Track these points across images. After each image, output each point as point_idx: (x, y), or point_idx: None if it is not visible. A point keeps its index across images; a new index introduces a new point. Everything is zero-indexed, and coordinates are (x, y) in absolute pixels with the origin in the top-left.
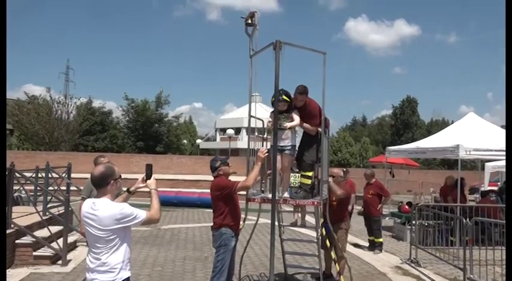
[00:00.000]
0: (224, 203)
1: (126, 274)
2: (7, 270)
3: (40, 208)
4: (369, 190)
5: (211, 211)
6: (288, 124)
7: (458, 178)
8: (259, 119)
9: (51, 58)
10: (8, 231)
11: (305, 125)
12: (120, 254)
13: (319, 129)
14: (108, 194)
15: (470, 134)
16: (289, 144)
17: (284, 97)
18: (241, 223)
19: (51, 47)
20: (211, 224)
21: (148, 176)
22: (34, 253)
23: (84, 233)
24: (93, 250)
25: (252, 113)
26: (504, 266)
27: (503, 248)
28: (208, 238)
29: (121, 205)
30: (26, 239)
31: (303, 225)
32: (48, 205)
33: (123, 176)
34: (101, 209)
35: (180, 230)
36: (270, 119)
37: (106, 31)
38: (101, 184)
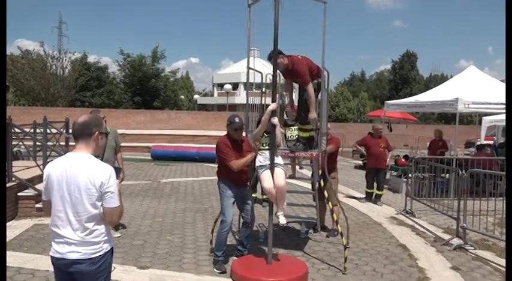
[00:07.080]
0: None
1: (111, 244)
2: (11, 221)
3: (40, 162)
4: (380, 144)
5: (211, 165)
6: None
7: (456, 131)
8: (257, 71)
9: (43, 11)
10: (9, 184)
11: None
12: (102, 220)
13: (319, 80)
14: (90, 146)
15: (469, 87)
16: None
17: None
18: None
19: None
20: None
21: None
22: (37, 205)
23: (49, 200)
24: (66, 217)
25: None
26: (496, 216)
27: (497, 199)
28: (208, 191)
29: (109, 167)
30: (29, 192)
31: (293, 176)
32: (48, 160)
33: (120, 131)
34: (83, 166)
35: (179, 184)
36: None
37: None
38: (83, 133)
